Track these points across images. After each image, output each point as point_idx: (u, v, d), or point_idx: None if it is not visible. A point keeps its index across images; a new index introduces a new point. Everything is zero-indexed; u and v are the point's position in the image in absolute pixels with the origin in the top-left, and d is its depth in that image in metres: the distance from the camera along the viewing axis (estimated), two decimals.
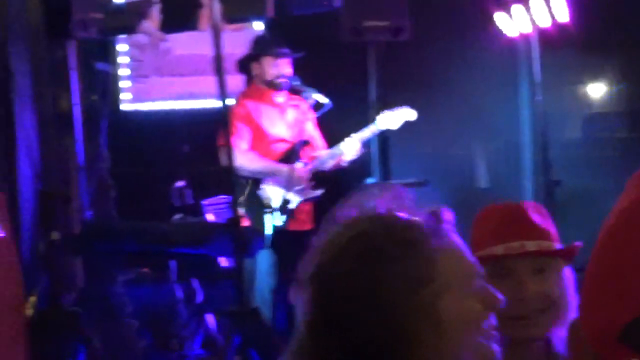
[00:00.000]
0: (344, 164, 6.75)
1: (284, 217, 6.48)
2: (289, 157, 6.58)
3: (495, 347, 1.62)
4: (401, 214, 1.62)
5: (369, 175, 7.52)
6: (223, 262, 6.77)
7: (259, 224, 6.44)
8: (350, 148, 6.63)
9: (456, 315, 1.56)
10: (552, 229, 2.37)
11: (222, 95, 5.39)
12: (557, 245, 2.35)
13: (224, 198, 7.26)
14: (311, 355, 1.57)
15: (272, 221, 6.38)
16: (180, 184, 7.23)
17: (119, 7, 6.06)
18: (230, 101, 6.62)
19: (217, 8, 5.26)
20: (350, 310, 1.55)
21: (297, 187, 6.59)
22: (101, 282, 6.94)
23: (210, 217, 7.24)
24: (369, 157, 7.54)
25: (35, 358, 4.10)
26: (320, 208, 6.77)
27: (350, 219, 1.64)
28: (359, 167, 7.40)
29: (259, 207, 6.57)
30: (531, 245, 2.31)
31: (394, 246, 1.56)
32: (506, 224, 2.34)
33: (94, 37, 6.36)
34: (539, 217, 2.35)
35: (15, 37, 5.92)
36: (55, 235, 4.29)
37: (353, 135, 6.67)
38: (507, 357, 1.72)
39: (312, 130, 6.89)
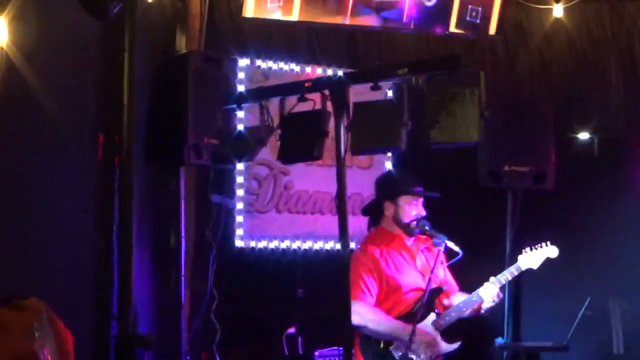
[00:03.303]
0: (483, 312, 6.18)
1: None
2: (422, 307, 5.91)
3: None
4: None
5: (499, 334, 7.13)
6: None
7: None
8: (489, 293, 6.09)
9: None
10: None
11: (343, 238, 4.76)
12: None
13: (338, 350, 6.69)
14: None
15: None
16: (291, 330, 6.65)
17: (237, 133, 5.56)
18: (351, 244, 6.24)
19: (345, 138, 4.70)
20: None
21: (426, 350, 5.95)
22: None
23: None
24: (502, 314, 7.19)
25: None
26: None
27: None
28: (490, 324, 7.05)
29: None
30: None
31: None
32: None
33: (207, 164, 5.87)
34: None
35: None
36: None
37: (491, 279, 6.15)
38: None
39: (444, 275, 6.27)
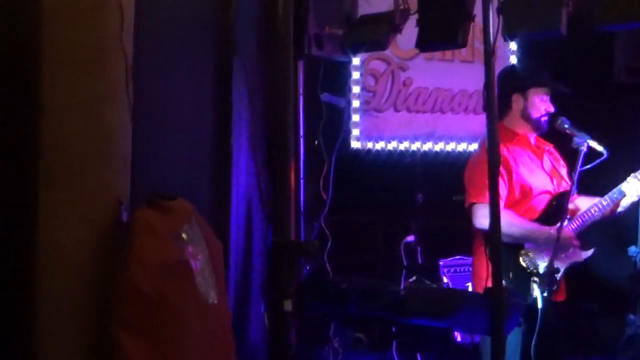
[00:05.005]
0: (621, 210, 5.63)
1: (551, 287, 5.33)
2: (555, 211, 5.46)
3: None
4: None
5: (634, 242, 6.63)
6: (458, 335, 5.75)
7: (523, 296, 5.31)
8: (633, 188, 5.57)
9: None
10: None
11: (492, 136, 4.28)
12: None
13: (462, 259, 6.30)
14: None
15: (538, 292, 5.21)
16: (410, 239, 6.24)
17: (367, 19, 5.05)
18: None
19: (494, 21, 4.19)
20: None
21: (565, 251, 5.49)
22: (310, 344, 6.07)
23: (444, 280, 6.42)
24: (634, 221, 6.64)
25: None
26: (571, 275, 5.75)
27: None
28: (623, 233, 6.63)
29: (522, 276, 5.45)
30: None
31: None
32: None
33: (329, 56, 5.36)
34: None
35: (240, 58, 5.01)
36: (287, 306, 3.22)
37: (632, 174, 5.58)
38: None
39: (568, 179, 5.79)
